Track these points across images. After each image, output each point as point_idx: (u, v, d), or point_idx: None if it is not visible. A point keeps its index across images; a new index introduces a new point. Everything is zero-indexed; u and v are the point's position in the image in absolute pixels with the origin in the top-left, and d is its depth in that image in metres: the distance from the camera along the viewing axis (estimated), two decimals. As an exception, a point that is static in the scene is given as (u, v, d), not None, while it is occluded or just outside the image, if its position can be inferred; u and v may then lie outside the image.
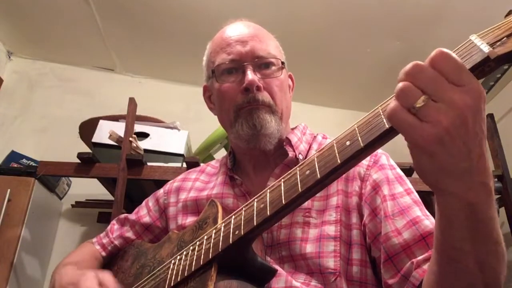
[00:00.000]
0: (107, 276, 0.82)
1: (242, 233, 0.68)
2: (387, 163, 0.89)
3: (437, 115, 0.45)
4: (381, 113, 0.53)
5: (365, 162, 0.89)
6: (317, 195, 0.87)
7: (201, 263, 0.72)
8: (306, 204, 0.86)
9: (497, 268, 0.56)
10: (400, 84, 0.47)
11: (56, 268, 0.98)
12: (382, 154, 0.91)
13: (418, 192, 0.84)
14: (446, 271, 0.58)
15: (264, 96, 0.91)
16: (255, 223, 0.66)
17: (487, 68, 0.47)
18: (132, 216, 1.09)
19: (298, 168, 0.64)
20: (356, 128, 0.56)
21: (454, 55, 0.47)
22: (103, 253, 1.05)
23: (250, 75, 0.90)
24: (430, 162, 0.48)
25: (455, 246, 0.54)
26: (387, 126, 0.51)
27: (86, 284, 0.80)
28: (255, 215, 0.67)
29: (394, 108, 0.47)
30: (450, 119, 0.45)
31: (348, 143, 0.56)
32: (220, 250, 0.70)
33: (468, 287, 0.57)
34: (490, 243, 0.53)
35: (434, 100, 0.46)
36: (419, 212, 0.77)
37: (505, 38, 0.47)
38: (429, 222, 0.74)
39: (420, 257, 0.70)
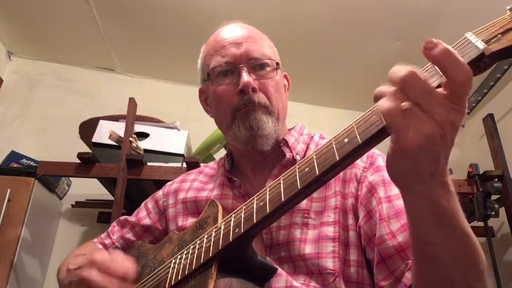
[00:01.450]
0: (118, 252, 0.84)
1: (242, 231, 0.68)
2: (383, 165, 0.89)
3: (420, 123, 0.48)
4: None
5: (362, 163, 0.89)
6: (316, 196, 0.87)
7: (202, 262, 0.72)
8: (305, 205, 0.86)
9: (472, 259, 0.58)
10: (394, 90, 0.50)
11: (63, 261, 1.00)
12: (378, 155, 0.91)
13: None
14: (423, 267, 0.61)
15: (260, 97, 0.91)
16: (255, 221, 0.66)
17: (482, 65, 0.49)
18: (131, 218, 1.09)
19: (297, 166, 0.65)
20: (354, 126, 0.57)
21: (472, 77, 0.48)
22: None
23: (245, 76, 0.90)
24: (406, 165, 0.52)
25: (426, 240, 0.57)
26: (384, 123, 0.52)
27: (99, 253, 0.82)
28: (254, 213, 0.67)
29: (391, 107, 0.49)
30: (431, 129, 0.48)
31: (346, 140, 0.57)
32: (220, 248, 0.70)
33: (448, 279, 0.59)
34: (459, 234, 0.56)
35: (418, 106, 0.48)
36: None
37: (499, 35, 0.48)
38: None
39: None
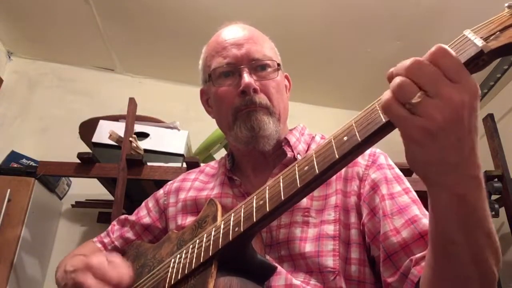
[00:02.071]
0: (115, 255, 0.86)
1: (242, 229, 0.68)
2: (386, 163, 0.89)
3: (432, 111, 0.46)
4: (378, 109, 0.53)
5: (364, 162, 0.89)
6: (316, 194, 0.88)
7: (201, 261, 0.72)
8: (305, 203, 0.86)
9: (490, 259, 0.56)
10: (398, 80, 0.48)
11: (61, 261, 0.99)
12: (380, 154, 0.92)
13: (418, 191, 0.84)
14: (441, 264, 0.59)
15: (261, 98, 0.91)
16: (254, 220, 0.66)
17: (481, 62, 0.48)
18: (132, 217, 1.10)
19: (296, 165, 0.65)
20: (354, 124, 0.57)
21: (453, 52, 0.48)
22: (104, 253, 1.05)
23: (247, 77, 0.90)
24: (421, 154, 0.49)
25: (448, 238, 0.55)
26: (384, 120, 0.52)
27: (95, 257, 0.83)
28: (254, 212, 0.67)
29: (388, 100, 0.49)
30: (446, 116, 0.46)
31: (345, 138, 0.57)
32: (220, 247, 0.70)
33: (463, 279, 0.58)
34: (482, 235, 0.54)
35: (430, 96, 0.47)
36: (417, 211, 0.77)
37: (498, 32, 0.48)
38: (427, 220, 0.74)
39: (418, 255, 0.71)
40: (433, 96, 0.47)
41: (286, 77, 1.05)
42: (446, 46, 0.48)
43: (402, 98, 0.48)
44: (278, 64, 0.97)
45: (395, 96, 0.48)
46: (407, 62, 0.48)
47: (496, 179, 1.85)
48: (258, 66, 0.94)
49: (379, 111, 0.53)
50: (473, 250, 0.54)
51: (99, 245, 1.07)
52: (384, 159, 0.90)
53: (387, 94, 0.49)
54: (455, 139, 0.47)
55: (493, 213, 1.75)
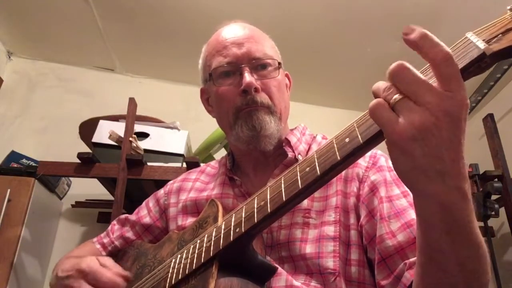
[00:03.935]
0: (107, 259, 0.87)
1: (243, 230, 0.68)
2: (386, 165, 0.89)
3: (409, 112, 0.47)
4: None
5: (364, 163, 0.89)
6: (317, 195, 0.87)
7: (202, 261, 0.72)
8: (306, 204, 0.86)
9: (478, 270, 0.56)
10: (384, 83, 0.50)
11: (57, 262, 0.99)
12: (381, 155, 0.91)
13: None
14: (428, 271, 0.59)
15: (262, 97, 0.91)
16: (255, 220, 0.66)
17: (483, 65, 0.48)
18: (132, 217, 1.09)
19: (298, 166, 0.65)
20: (355, 125, 0.57)
21: (454, 59, 0.47)
22: (103, 253, 1.05)
23: (248, 77, 0.89)
24: (405, 160, 0.49)
25: (434, 247, 0.55)
26: None
27: (86, 261, 0.85)
28: (255, 212, 0.67)
29: (375, 103, 0.49)
30: (422, 119, 0.46)
31: (347, 140, 0.57)
32: (221, 247, 0.70)
33: (450, 287, 0.57)
34: (470, 246, 0.54)
35: (408, 96, 0.47)
36: (414, 215, 0.77)
37: (500, 35, 0.48)
38: None
39: (412, 259, 0.71)
40: (412, 98, 0.47)
41: (286, 75, 1.05)
42: (448, 50, 0.47)
43: (386, 99, 0.49)
44: (279, 63, 0.97)
45: (379, 96, 0.50)
46: (391, 65, 0.48)
47: (496, 179, 1.85)
48: (258, 65, 0.93)
49: None
50: (459, 260, 0.54)
51: (98, 246, 1.07)
52: (385, 161, 0.90)
53: (375, 100, 0.50)
54: (434, 145, 0.47)
55: (493, 213, 1.76)
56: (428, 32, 0.47)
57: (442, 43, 0.47)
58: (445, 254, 0.54)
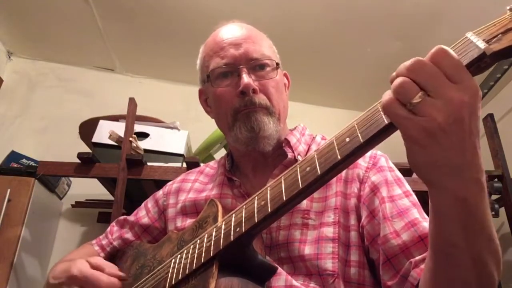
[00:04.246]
0: (97, 259, 0.86)
1: (243, 230, 0.68)
2: (386, 165, 0.89)
3: (432, 111, 0.47)
4: (380, 110, 0.53)
5: (364, 164, 0.89)
6: (316, 196, 0.87)
7: (202, 261, 0.72)
8: (305, 205, 0.86)
9: (490, 264, 0.56)
10: (400, 80, 0.49)
11: (53, 267, 0.99)
12: (381, 156, 0.91)
13: (418, 192, 0.84)
14: (440, 266, 0.59)
15: (261, 98, 0.91)
16: (256, 220, 0.66)
17: (483, 64, 0.49)
18: (131, 218, 1.09)
19: (298, 165, 0.65)
20: (356, 125, 0.57)
21: (453, 52, 0.48)
22: (102, 254, 1.05)
23: (246, 78, 0.89)
24: (423, 155, 0.49)
25: (449, 241, 0.55)
26: (386, 122, 0.52)
27: (77, 266, 0.83)
28: (256, 212, 0.67)
29: (389, 101, 0.49)
30: (446, 116, 0.46)
31: (347, 139, 0.57)
32: (221, 247, 0.70)
33: (463, 282, 0.57)
34: (484, 239, 0.54)
35: (431, 96, 0.47)
36: (417, 214, 0.77)
37: (500, 34, 0.48)
38: (427, 224, 0.74)
39: (418, 257, 0.71)
40: (433, 96, 0.47)
41: (285, 75, 1.05)
42: (446, 47, 0.48)
43: (403, 98, 0.48)
44: (277, 63, 0.96)
45: (396, 96, 0.49)
46: (408, 62, 0.49)
47: (496, 179, 1.85)
48: (256, 66, 0.93)
49: (381, 112, 0.53)
50: (473, 254, 0.54)
51: (97, 248, 1.06)
52: (385, 161, 0.90)
53: (387, 95, 0.50)
54: (457, 140, 0.47)
55: (493, 213, 1.76)
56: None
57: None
58: (459, 248, 0.54)
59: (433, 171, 0.50)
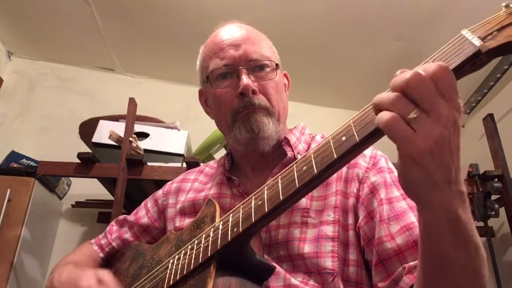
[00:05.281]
0: (106, 275, 0.84)
1: (241, 230, 0.68)
2: (386, 166, 0.89)
3: (428, 127, 0.47)
4: None
5: (364, 164, 0.89)
6: (316, 195, 0.87)
7: (200, 261, 0.72)
8: (305, 204, 0.86)
9: (479, 271, 0.57)
10: (397, 94, 0.49)
11: (55, 266, 0.99)
12: (381, 156, 0.91)
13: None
14: (432, 277, 0.59)
15: (260, 99, 0.91)
16: (253, 220, 0.66)
17: (478, 62, 0.49)
18: (130, 217, 1.09)
19: (295, 165, 0.65)
20: (352, 124, 0.57)
21: (452, 73, 0.48)
22: (101, 254, 1.05)
23: (245, 79, 0.89)
24: (420, 174, 0.50)
25: (437, 251, 0.56)
26: None
27: (85, 279, 0.83)
28: (253, 212, 0.67)
29: (392, 118, 0.48)
30: (439, 131, 0.47)
31: (344, 138, 0.57)
32: (218, 247, 0.70)
33: None
34: (472, 247, 0.55)
35: (425, 112, 0.47)
36: (414, 218, 0.77)
37: (495, 32, 0.48)
38: None
39: (412, 263, 0.71)
40: (428, 112, 0.47)
41: (285, 75, 1.05)
42: (447, 65, 0.48)
43: (403, 113, 0.48)
44: (277, 64, 0.96)
45: (397, 111, 0.48)
46: (406, 75, 0.48)
47: (496, 179, 1.85)
48: (256, 67, 0.93)
49: None
50: (463, 263, 0.55)
51: (96, 247, 1.06)
52: (385, 162, 0.90)
53: (387, 113, 0.49)
54: (448, 154, 0.48)
55: (493, 213, 1.75)
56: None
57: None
58: (450, 258, 0.55)
59: (425, 189, 0.50)
